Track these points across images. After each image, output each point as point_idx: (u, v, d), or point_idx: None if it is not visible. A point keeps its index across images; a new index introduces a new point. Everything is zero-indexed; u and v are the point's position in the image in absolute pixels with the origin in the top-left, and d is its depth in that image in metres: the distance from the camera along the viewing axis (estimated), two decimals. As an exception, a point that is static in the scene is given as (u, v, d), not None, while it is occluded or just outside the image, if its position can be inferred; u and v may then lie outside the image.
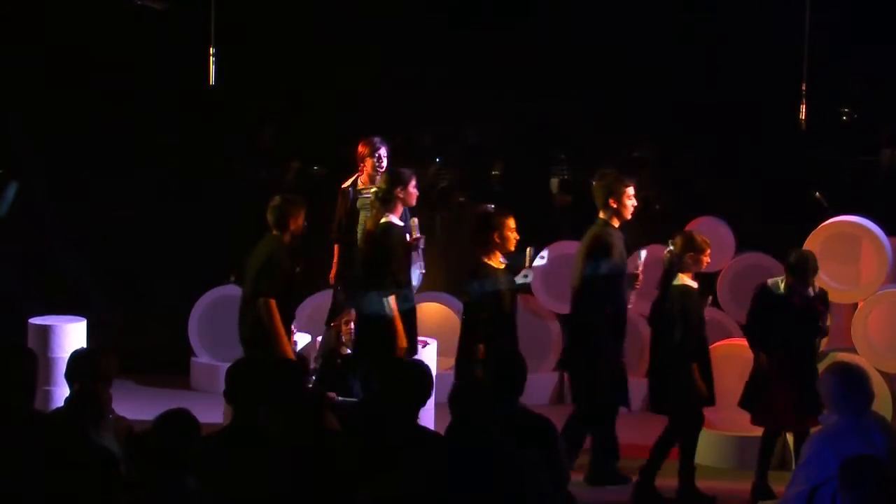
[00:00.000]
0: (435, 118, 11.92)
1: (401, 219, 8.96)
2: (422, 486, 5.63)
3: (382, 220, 8.87)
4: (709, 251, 8.61)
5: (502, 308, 8.64)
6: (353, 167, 10.00)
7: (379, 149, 9.80)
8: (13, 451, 5.57)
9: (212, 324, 11.28)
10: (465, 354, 8.60)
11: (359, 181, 9.90)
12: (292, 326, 8.91)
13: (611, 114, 11.53)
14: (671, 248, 8.58)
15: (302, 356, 9.27)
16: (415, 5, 11.49)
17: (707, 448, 9.25)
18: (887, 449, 6.07)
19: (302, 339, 9.84)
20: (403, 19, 11.44)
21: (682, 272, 8.52)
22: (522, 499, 5.58)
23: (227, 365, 6.45)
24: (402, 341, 8.74)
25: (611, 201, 8.73)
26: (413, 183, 8.98)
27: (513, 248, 8.81)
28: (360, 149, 9.86)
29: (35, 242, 11.64)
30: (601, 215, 8.79)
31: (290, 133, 12.19)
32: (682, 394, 8.46)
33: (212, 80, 9.96)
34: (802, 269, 8.54)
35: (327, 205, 10.17)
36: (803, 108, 9.74)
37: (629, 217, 8.84)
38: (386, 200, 8.89)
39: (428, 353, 9.58)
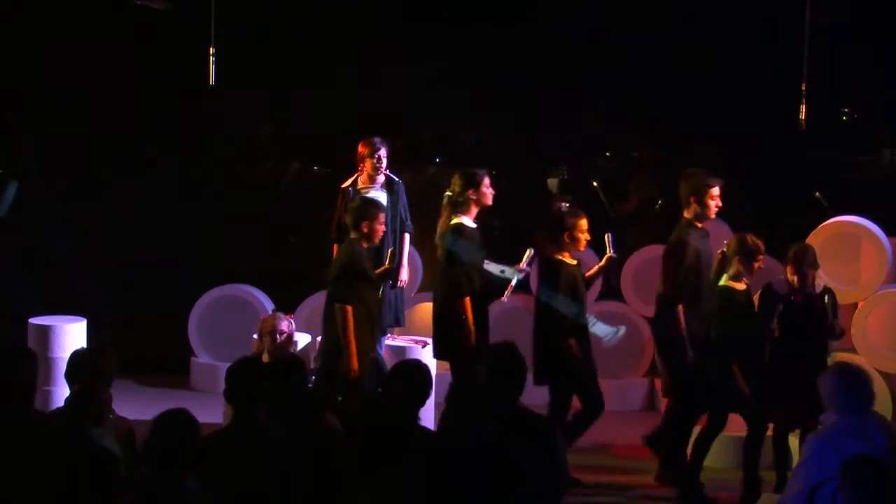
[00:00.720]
0: (435, 118, 11.92)
1: (474, 220, 8.92)
2: (422, 486, 5.63)
3: (453, 221, 8.84)
4: (762, 256, 8.41)
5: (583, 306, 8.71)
6: (353, 167, 9.99)
7: (379, 149, 9.79)
8: (13, 451, 5.57)
9: (212, 324, 11.29)
10: (553, 352, 8.62)
11: (359, 181, 9.89)
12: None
13: (611, 114, 11.53)
14: (724, 248, 8.45)
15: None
16: (415, 5, 11.49)
17: (707, 448, 9.27)
18: (887, 448, 6.07)
19: (302, 339, 9.84)
20: (404, 19, 11.43)
21: (730, 274, 8.39)
22: (522, 499, 5.58)
23: (227, 365, 6.46)
24: (473, 339, 8.73)
25: (692, 200, 8.64)
26: (486, 182, 8.90)
27: (582, 249, 8.79)
28: (360, 149, 9.85)
29: (35, 242, 11.64)
30: (685, 215, 8.71)
31: (289, 133, 12.18)
32: (722, 393, 8.40)
33: (212, 80, 9.96)
34: (799, 262, 8.47)
35: (327, 205, 10.17)
36: (803, 108, 9.74)
37: (712, 217, 8.74)
38: (458, 203, 8.85)
39: (428, 353, 9.58)
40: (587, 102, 11.56)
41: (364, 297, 8.64)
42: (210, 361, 11.18)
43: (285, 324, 8.89)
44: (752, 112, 11.22)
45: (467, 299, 8.75)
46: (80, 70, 11.27)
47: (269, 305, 10.99)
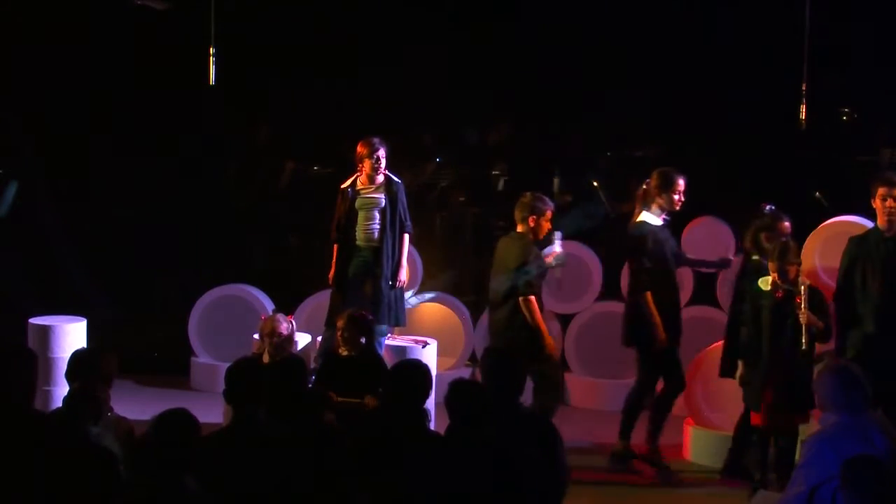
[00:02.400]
0: (435, 118, 11.92)
1: (662, 219, 9.00)
2: (422, 486, 5.64)
3: (638, 219, 8.97)
4: None
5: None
6: (352, 167, 9.99)
7: (378, 149, 9.78)
8: (13, 451, 5.58)
9: (212, 324, 11.29)
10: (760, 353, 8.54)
11: (358, 181, 9.89)
12: None
13: (611, 114, 11.52)
14: None
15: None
16: (415, 5, 11.49)
17: (707, 448, 9.25)
18: (887, 449, 6.07)
19: (302, 339, 9.84)
20: (404, 19, 11.43)
21: None
22: (522, 498, 5.58)
23: (227, 365, 6.46)
24: (661, 334, 8.80)
25: (873, 202, 8.60)
26: (677, 188, 8.96)
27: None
28: (360, 149, 9.84)
29: (35, 242, 11.65)
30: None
31: (289, 133, 12.19)
32: None
33: (212, 80, 9.96)
34: (780, 258, 8.38)
35: (327, 205, 10.16)
36: (803, 108, 9.73)
37: (883, 223, 8.54)
38: (648, 199, 8.96)
39: (428, 353, 9.59)
40: (587, 102, 11.55)
41: (538, 290, 8.96)
42: (210, 361, 11.19)
43: (285, 325, 8.89)
44: (752, 112, 11.22)
45: (648, 294, 8.81)
46: (80, 70, 11.28)
47: (269, 305, 10.99)
